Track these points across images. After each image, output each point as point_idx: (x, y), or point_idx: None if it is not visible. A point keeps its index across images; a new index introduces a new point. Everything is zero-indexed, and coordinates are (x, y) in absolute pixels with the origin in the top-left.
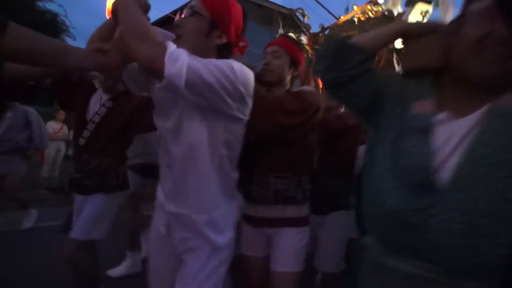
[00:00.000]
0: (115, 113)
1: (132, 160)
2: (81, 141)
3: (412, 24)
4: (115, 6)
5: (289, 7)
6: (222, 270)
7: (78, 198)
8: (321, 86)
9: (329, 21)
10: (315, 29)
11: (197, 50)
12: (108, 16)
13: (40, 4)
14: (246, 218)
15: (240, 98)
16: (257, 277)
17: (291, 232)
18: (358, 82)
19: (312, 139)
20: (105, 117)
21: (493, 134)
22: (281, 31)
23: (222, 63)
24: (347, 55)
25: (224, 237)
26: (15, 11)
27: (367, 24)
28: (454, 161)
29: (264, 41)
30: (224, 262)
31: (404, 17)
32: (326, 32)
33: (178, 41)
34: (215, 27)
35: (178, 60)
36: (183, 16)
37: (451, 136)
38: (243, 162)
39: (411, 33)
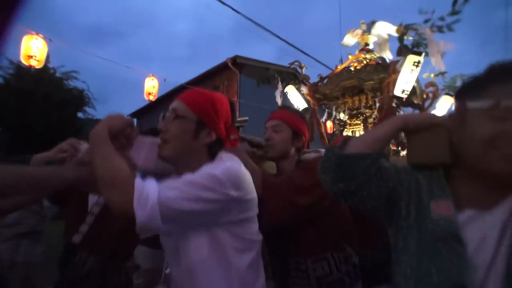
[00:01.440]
0: None
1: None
2: (77, 238)
3: (412, 117)
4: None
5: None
6: None
7: None
8: (323, 131)
9: (325, 71)
10: (313, 78)
11: (186, 152)
12: (147, 98)
13: (66, 82)
14: None
15: (236, 201)
16: None
17: None
18: (369, 186)
19: (342, 207)
20: (106, 208)
21: None
22: (280, 86)
23: (201, 177)
24: (351, 165)
25: None
26: (48, 92)
27: (363, 72)
28: (496, 273)
29: (269, 97)
30: None
31: (398, 66)
32: (325, 81)
33: (165, 146)
34: (203, 127)
35: (147, 203)
36: (168, 114)
37: (484, 239)
38: (274, 252)
39: (412, 128)
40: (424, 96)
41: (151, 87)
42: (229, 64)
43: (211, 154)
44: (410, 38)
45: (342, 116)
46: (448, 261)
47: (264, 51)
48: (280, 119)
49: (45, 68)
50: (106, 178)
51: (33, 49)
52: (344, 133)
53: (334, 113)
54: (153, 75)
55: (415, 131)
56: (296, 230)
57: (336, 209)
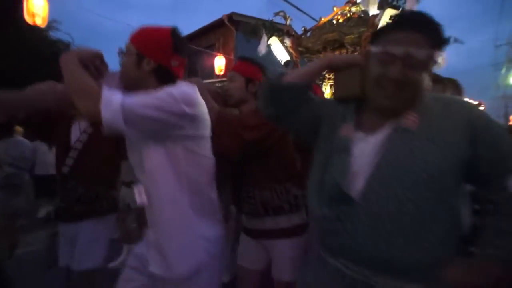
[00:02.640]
0: (98, 139)
1: (126, 176)
2: (65, 169)
3: (335, 57)
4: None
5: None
6: None
7: (65, 227)
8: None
9: (313, 23)
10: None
11: (136, 83)
12: None
13: (51, 34)
14: (245, 230)
15: (189, 117)
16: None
17: (283, 243)
18: (297, 112)
19: (289, 147)
20: (88, 143)
21: (395, 151)
22: (264, 37)
23: (161, 92)
24: (282, 93)
25: (185, 267)
26: (31, 44)
27: (344, 26)
28: (364, 174)
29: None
30: None
31: (376, 20)
32: (308, 34)
33: (121, 80)
34: (142, 57)
35: (112, 104)
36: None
37: (363, 152)
38: (233, 180)
39: (336, 66)
40: None
41: None
42: (226, 21)
43: (159, 80)
44: None
45: None
46: (336, 167)
47: (251, 2)
48: (234, 70)
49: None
50: (78, 89)
51: (35, 6)
52: (323, 87)
53: None
54: None
55: (340, 70)
56: (247, 166)
57: (282, 152)
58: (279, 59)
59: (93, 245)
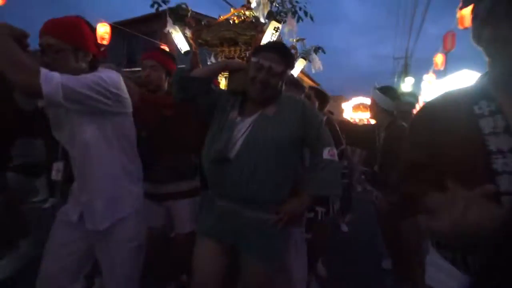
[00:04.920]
0: None
1: (13, 161)
2: None
3: (230, 62)
4: None
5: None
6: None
7: None
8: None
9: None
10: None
11: (74, 73)
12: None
13: None
14: (148, 196)
15: (115, 96)
16: (158, 244)
17: (184, 202)
18: (201, 98)
19: (194, 123)
20: None
21: (258, 129)
22: (169, 25)
23: (92, 76)
24: (188, 82)
25: (110, 218)
26: None
27: (239, 27)
28: (238, 144)
29: None
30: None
31: (264, 27)
32: (209, 29)
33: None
34: (78, 51)
35: (53, 80)
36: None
37: (240, 130)
38: (141, 152)
39: (231, 68)
40: None
41: (104, 33)
42: (168, 14)
43: (91, 67)
44: (277, 6)
45: None
46: (222, 138)
47: None
48: (156, 60)
49: None
50: (13, 62)
51: None
52: (219, 78)
53: (213, 59)
54: (105, 21)
55: (233, 71)
56: (159, 137)
57: (188, 127)
58: (179, 47)
59: None
